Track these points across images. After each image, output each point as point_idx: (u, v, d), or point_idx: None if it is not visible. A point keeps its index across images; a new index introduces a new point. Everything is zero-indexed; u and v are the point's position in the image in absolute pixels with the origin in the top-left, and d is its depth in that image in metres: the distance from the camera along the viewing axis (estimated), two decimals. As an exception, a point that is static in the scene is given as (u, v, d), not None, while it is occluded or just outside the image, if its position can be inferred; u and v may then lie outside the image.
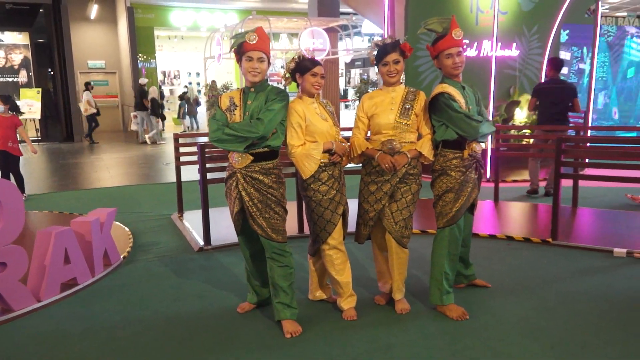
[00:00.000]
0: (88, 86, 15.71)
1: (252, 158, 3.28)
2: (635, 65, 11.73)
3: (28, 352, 3.22)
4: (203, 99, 17.12)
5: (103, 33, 18.76)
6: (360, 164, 3.63)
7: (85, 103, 15.51)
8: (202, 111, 18.61)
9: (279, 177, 3.38)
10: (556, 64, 7.33)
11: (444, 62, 3.47)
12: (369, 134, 3.63)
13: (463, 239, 3.75)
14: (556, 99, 7.15)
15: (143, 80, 14.66)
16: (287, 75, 3.49)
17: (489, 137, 7.57)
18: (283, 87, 3.54)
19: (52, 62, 16.32)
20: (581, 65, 11.09)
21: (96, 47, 18.73)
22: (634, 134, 10.02)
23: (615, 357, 3.02)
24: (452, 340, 3.24)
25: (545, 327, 3.40)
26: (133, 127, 15.59)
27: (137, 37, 16.49)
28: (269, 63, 3.37)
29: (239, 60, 3.33)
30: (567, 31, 10.63)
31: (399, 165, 3.37)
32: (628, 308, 3.66)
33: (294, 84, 3.52)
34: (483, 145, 3.70)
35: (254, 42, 3.22)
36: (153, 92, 15.06)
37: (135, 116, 15.29)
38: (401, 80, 3.56)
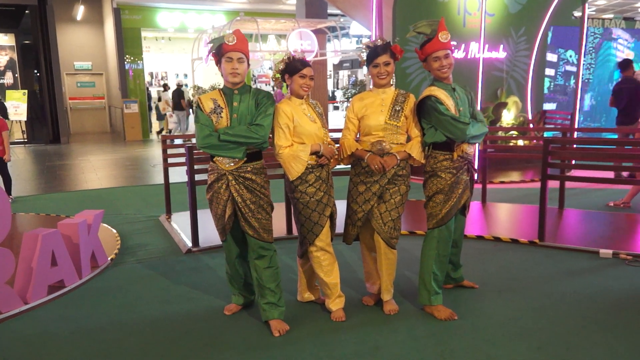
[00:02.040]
0: (166, 87, 16.63)
1: (245, 159, 3.28)
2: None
3: (15, 355, 3.19)
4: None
5: (89, 34, 18.63)
6: (350, 165, 3.64)
7: (164, 102, 16.35)
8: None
9: (267, 175, 3.41)
10: (620, 64, 8.03)
11: (432, 65, 3.49)
12: (358, 136, 3.64)
13: (454, 241, 3.77)
14: (619, 98, 7.79)
15: (180, 81, 14.97)
16: (277, 75, 3.49)
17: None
18: (272, 88, 3.55)
19: (38, 64, 16.18)
20: (568, 67, 11.18)
21: (83, 48, 18.60)
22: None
23: (600, 359, 3.04)
24: (440, 341, 3.25)
25: (532, 328, 3.42)
26: (170, 125, 16.10)
27: (124, 38, 16.37)
28: (249, 64, 3.38)
29: (217, 63, 3.34)
30: (551, 29, 10.71)
31: (388, 166, 3.39)
32: (614, 309, 3.69)
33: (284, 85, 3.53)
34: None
35: (233, 43, 3.23)
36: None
37: (172, 115, 15.78)
38: (391, 82, 3.57)
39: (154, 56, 21.06)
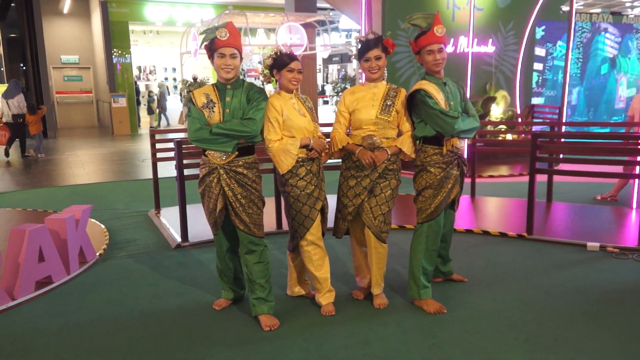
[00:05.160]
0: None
1: (236, 153, 3.27)
2: (609, 61, 11.92)
3: (2, 351, 3.17)
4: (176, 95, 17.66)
5: (76, 27, 18.45)
6: (340, 159, 3.64)
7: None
8: (171, 107, 18.57)
9: (259, 170, 3.40)
10: None
11: (425, 58, 3.49)
12: (350, 129, 3.63)
13: (443, 235, 3.78)
14: None
15: (195, 75, 14.89)
16: (266, 71, 3.47)
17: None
18: (261, 84, 3.54)
19: (24, 57, 16.04)
20: (556, 62, 11.23)
21: (70, 41, 18.42)
22: (607, 130, 10.18)
23: (587, 350, 3.07)
24: (429, 334, 3.27)
25: (520, 320, 3.44)
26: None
27: (111, 32, 16.23)
28: (242, 58, 3.35)
29: (210, 57, 3.31)
30: (543, 27, 10.76)
31: (379, 161, 3.39)
32: (601, 301, 3.73)
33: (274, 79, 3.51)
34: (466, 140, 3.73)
35: (225, 38, 3.20)
36: None
37: None
38: (383, 77, 3.57)
39: (142, 50, 20.91)
